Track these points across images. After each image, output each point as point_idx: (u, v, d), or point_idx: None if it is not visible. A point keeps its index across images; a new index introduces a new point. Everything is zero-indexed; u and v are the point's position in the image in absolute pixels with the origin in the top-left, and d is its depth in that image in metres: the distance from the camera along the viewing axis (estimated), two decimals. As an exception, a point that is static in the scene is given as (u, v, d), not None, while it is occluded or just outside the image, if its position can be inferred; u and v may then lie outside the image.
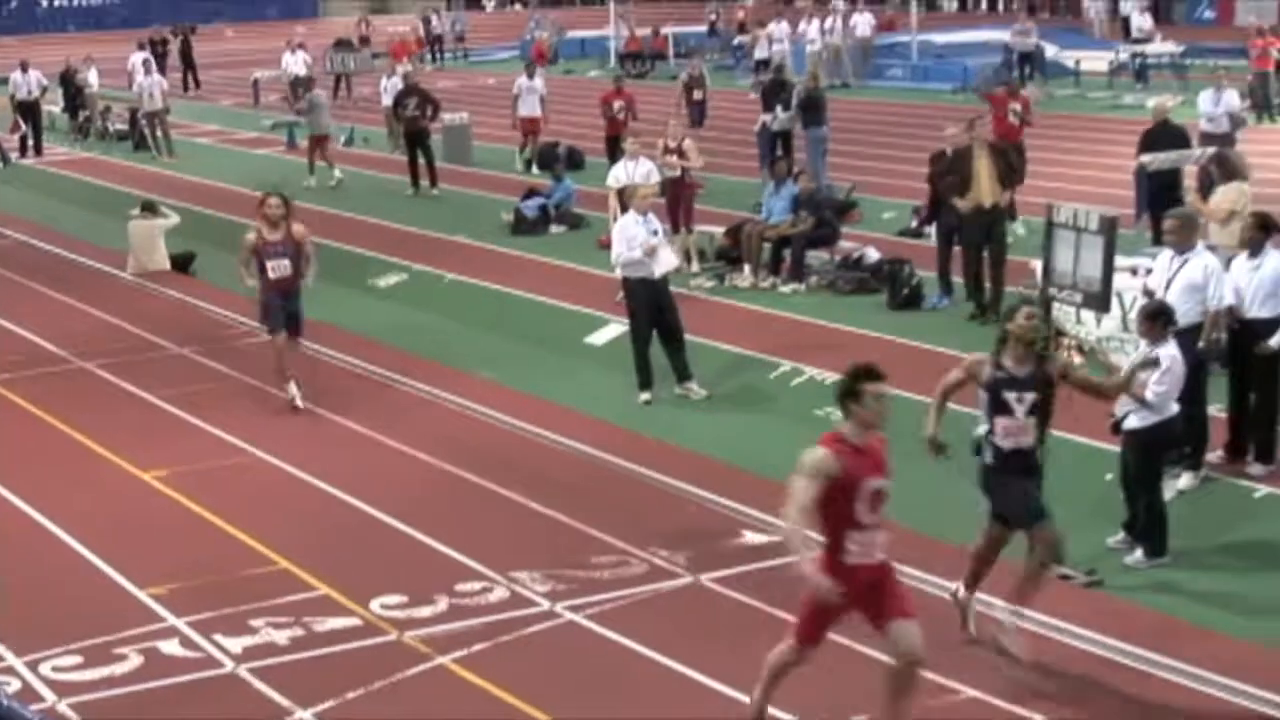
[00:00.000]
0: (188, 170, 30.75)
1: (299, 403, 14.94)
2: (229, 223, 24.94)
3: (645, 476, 12.88)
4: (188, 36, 47.45)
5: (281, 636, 10.03)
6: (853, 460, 7.81)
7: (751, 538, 11.46)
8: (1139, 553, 10.73)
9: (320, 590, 10.71)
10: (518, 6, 74.01)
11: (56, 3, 70.95)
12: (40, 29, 65.39)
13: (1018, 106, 21.80)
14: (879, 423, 7.86)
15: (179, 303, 19.97)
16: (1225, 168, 15.59)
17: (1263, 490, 11.88)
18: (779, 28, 42.22)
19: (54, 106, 37.01)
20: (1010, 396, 9.27)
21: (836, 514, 7.86)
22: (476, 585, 10.72)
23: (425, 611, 10.33)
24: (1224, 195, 14.89)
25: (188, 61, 46.18)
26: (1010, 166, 17.70)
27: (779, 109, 25.40)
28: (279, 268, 14.96)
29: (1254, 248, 12.28)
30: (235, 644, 9.93)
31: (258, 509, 12.40)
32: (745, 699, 8.83)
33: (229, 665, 9.69)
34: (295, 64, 38.00)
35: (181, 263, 21.71)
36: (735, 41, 45.19)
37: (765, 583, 10.60)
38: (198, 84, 45.76)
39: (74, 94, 37.26)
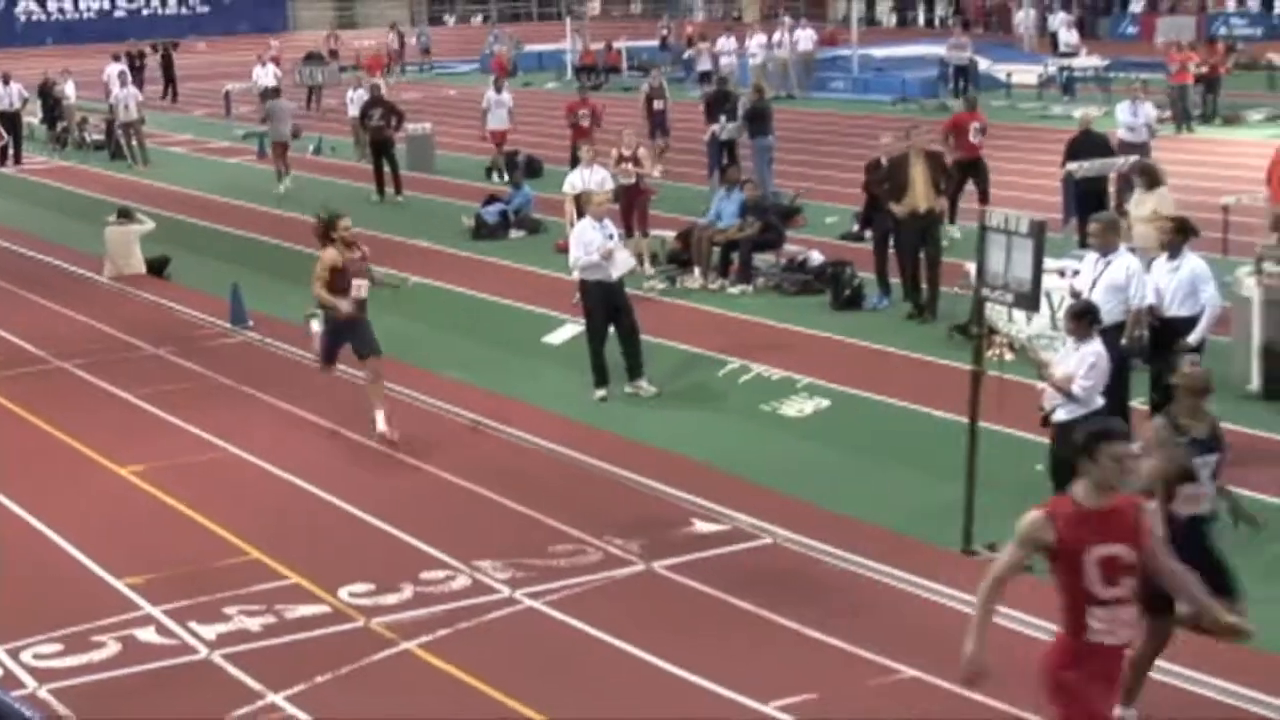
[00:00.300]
0: (162, 178, 30.59)
1: (386, 431, 13.61)
2: (202, 228, 24.93)
3: (600, 469, 12.89)
4: (169, 51, 47.22)
5: (254, 624, 10.00)
6: (1074, 525, 6.60)
7: (701, 526, 11.48)
8: (1067, 539, 10.77)
9: (291, 579, 10.68)
10: (478, 19, 73.84)
11: (35, 17, 70.46)
12: (19, 43, 64.83)
13: (978, 124, 21.78)
14: (1116, 485, 6.68)
15: (154, 305, 19.85)
16: (1148, 175, 15.73)
17: (1182, 479, 11.97)
18: (727, 41, 42.31)
19: (33, 118, 36.73)
20: (1196, 461, 8.18)
21: (1068, 587, 6.69)
22: (440, 574, 10.71)
23: (391, 599, 10.32)
24: (1162, 202, 15.01)
25: (168, 75, 45.93)
26: (946, 174, 17.79)
27: (724, 119, 25.47)
28: (362, 287, 13.73)
29: (1173, 250, 12.42)
30: (209, 631, 9.90)
31: (231, 502, 12.35)
32: (694, 679, 8.88)
33: (203, 651, 9.66)
34: (265, 76, 37.83)
35: (156, 267, 21.58)
36: (685, 55, 45.23)
37: (714, 570, 10.64)
38: (175, 97, 45.47)
39: (52, 105, 37.01)
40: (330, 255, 13.73)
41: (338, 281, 13.68)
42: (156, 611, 10.22)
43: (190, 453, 13.76)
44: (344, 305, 13.66)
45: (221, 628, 9.94)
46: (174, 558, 11.18)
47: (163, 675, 9.40)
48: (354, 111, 30.46)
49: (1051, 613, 9.45)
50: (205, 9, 72.68)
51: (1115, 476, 6.64)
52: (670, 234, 20.64)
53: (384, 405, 13.79)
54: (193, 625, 9.99)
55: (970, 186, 21.28)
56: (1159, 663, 8.95)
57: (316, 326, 14.28)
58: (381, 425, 13.63)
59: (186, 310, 19.33)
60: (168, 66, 46.07)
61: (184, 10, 72.39)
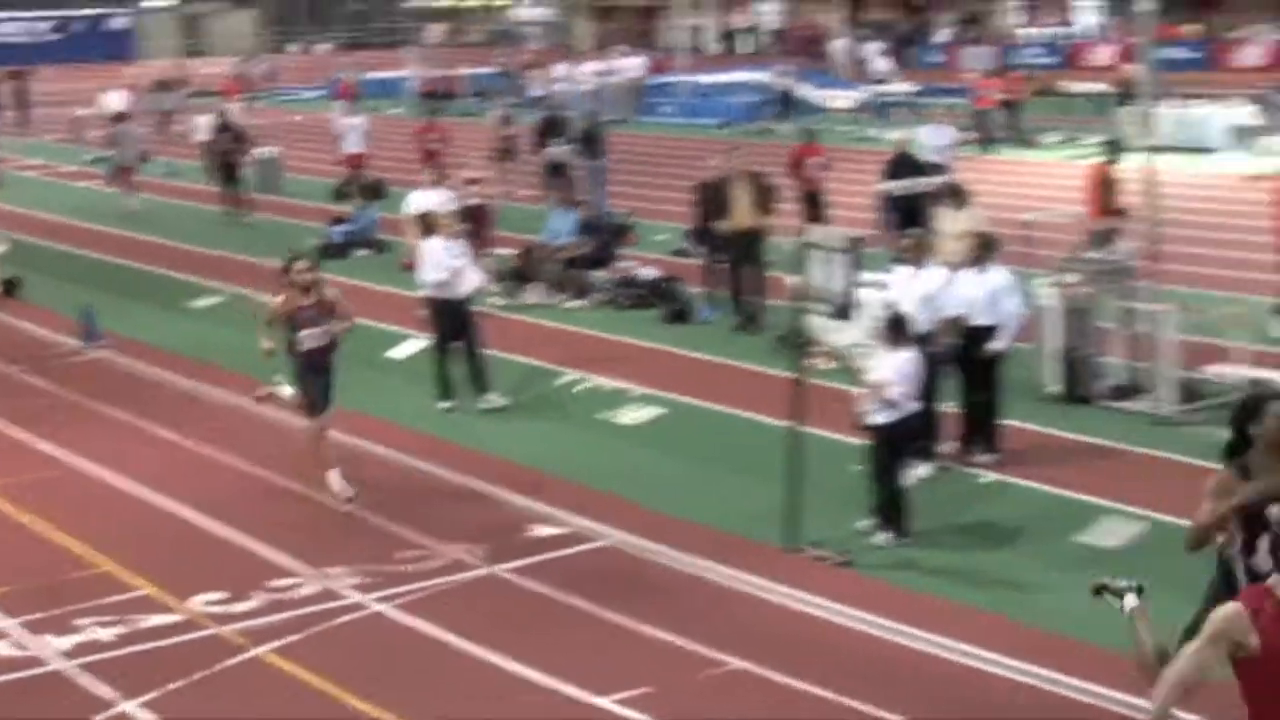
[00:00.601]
0: (13, 201, 29.69)
1: (349, 495, 12.06)
2: (53, 250, 24.31)
3: (444, 478, 12.82)
4: (23, 78, 46.10)
5: (106, 634, 9.78)
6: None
7: (541, 531, 11.46)
8: (885, 534, 10.98)
9: (143, 590, 10.46)
10: (323, 47, 72.93)
11: (-118, 46, 68.15)
12: None
13: (816, 159, 21.74)
14: None
15: (6, 325, 19.32)
16: (958, 195, 16.07)
17: (989, 476, 12.26)
18: (562, 69, 42.39)
19: (-118, 144, 35.53)
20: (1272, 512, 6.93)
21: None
22: (290, 581, 10.57)
23: (242, 606, 10.15)
24: (973, 219, 15.31)
25: (22, 102, 44.82)
26: (769, 193, 17.93)
27: (558, 142, 25.50)
28: (312, 336, 12.11)
29: (978, 263, 12.71)
30: (63, 642, 9.66)
31: (82, 516, 12.06)
32: (535, 676, 8.87)
33: (57, 663, 9.42)
34: (114, 102, 37.04)
35: (9, 287, 21.01)
36: (520, 81, 45.21)
37: (554, 572, 10.63)
38: (28, 123, 44.30)
39: (-98, 132, 35.92)
40: (274, 302, 12.44)
41: (287, 328, 12.26)
42: (10, 624, 9.95)
43: (42, 468, 13.41)
44: (265, 344, 12.32)
45: (75, 639, 9.71)
46: (27, 571, 10.90)
47: (17, 687, 9.16)
48: (202, 136, 30.00)
49: (841, 594, 9.68)
50: (54, 37, 70.90)
51: None
52: (511, 252, 20.61)
53: (331, 463, 12.28)
54: (46, 637, 9.74)
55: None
56: (906, 629, 9.29)
57: (287, 391, 12.73)
58: (336, 485, 12.11)
59: (39, 329, 18.85)
60: (20, 94, 44.99)
61: (30, 39, 70.49)
